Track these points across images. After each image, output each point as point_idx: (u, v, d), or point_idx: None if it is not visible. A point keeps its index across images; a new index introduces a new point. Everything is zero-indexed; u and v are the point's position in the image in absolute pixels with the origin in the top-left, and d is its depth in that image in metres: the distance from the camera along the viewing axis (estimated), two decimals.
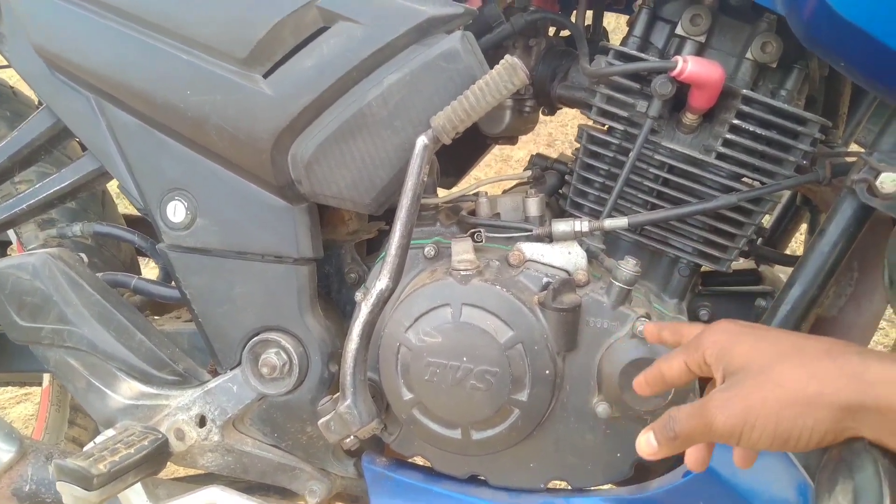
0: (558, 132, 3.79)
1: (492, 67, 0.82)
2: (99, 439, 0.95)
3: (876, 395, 0.53)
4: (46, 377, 1.37)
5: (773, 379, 0.57)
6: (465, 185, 1.21)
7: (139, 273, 1.28)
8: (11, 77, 1.43)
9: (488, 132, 1.08)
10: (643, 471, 0.90)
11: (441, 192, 1.04)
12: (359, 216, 1.08)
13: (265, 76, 0.88)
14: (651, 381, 0.71)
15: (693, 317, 0.96)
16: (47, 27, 0.96)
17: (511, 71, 0.80)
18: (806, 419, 0.54)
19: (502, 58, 0.81)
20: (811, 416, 0.54)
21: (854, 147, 1.05)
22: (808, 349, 0.58)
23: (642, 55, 0.87)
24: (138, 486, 0.97)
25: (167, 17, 0.90)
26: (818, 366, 0.56)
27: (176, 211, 0.96)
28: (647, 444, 0.62)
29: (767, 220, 1.16)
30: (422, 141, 0.82)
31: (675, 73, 0.82)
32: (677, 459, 0.91)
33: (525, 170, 1.07)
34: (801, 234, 1.27)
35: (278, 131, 0.88)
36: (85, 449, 0.93)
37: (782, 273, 1.07)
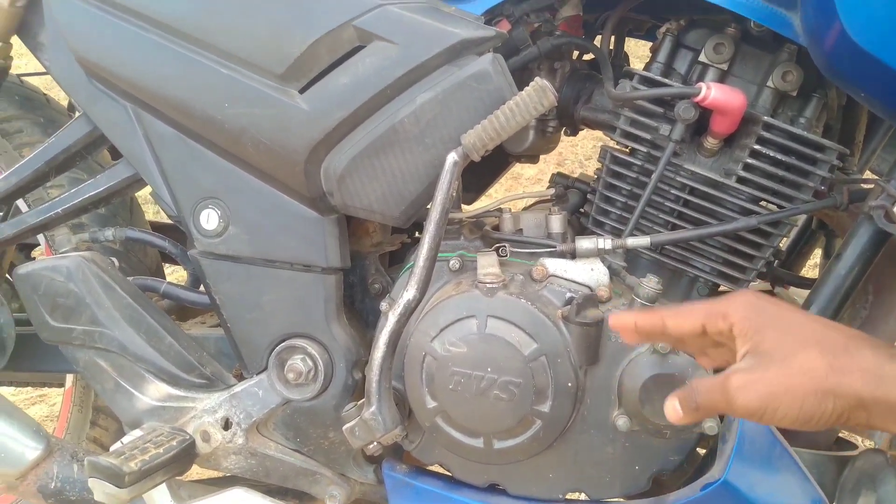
0: (568, 151, 3.82)
1: (519, 89, 0.84)
2: (126, 439, 0.97)
3: (886, 390, 0.58)
4: (69, 378, 1.39)
5: (797, 368, 0.60)
6: (482, 202, 1.24)
7: (165, 279, 1.31)
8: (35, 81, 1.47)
9: (511, 150, 1.11)
10: (660, 484, 0.92)
11: (464, 209, 1.07)
12: (383, 229, 1.10)
13: (301, 91, 0.90)
14: (646, 327, 0.70)
15: None
16: (89, 37, 0.99)
17: (541, 93, 0.83)
18: (826, 404, 0.59)
19: (527, 79, 0.84)
20: (831, 402, 0.59)
21: (868, 175, 1.08)
22: (829, 341, 0.62)
23: (667, 80, 0.90)
24: (163, 486, 0.99)
25: (207, 32, 0.93)
26: (838, 359, 0.60)
27: (209, 219, 0.99)
28: (674, 410, 0.65)
29: (784, 244, 1.19)
30: (452, 157, 0.85)
31: (698, 98, 0.85)
32: (694, 474, 0.94)
33: (547, 188, 1.10)
34: (813, 259, 1.30)
35: (313, 145, 0.91)
36: (113, 448, 0.95)
37: (797, 296, 1.09)
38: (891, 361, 0.59)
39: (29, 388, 2.10)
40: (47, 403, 2.10)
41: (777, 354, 0.61)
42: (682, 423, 0.66)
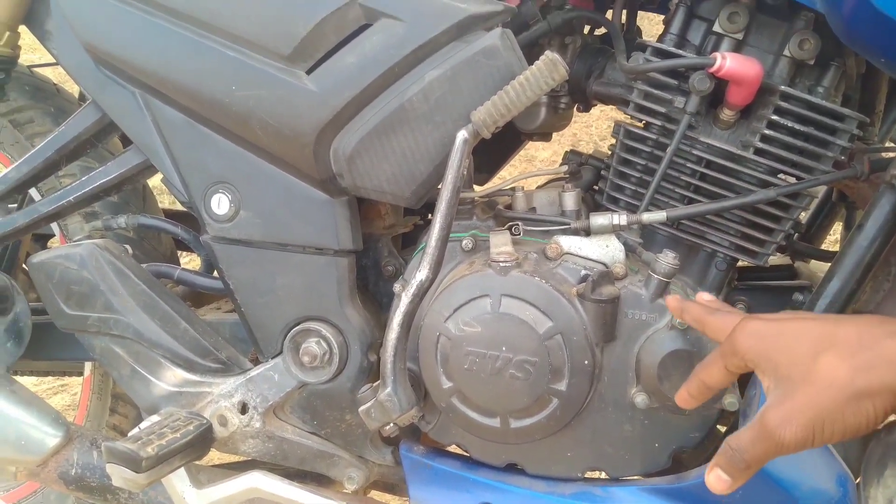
0: (583, 133, 3.79)
1: (529, 64, 0.83)
2: (144, 424, 0.98)
3: None
4: (87, 366, 1.40)
5: (820, 381, 0.58)
6: (496, 182, 1.23)
7: (179, 265, 1.31)
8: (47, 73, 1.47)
9: (523, 128, 1.10)
10: (679, 462, 0.91)
11: (476, 189, 1.06)
12: (395, 210, 1.10)
13: (308, 72, 0.90)
14: (696, 393, 0.72)
15: None
16: (95, 24, 0.99)
17: (552, 66, 0.82)
18: (867, 408, 0.56)
19: (538, 55, 0.82)
20: (869, 403, 0.56)
21: (890, 145, 1.05)
22: (841, 340, 0.59)
23: (681, 52, 0.88)
24: (182, 471, 0.99)
25: (213, 14, 0.92)
26: (857, 358, 0.57)
27: (220, 203, 0.99)
28: (719, 480, 0.62)
29: (803, 217, 1.17)
30: (462, 135, 0.84)
31: (713, 69, 0.83)
32: (715, 451, 0.92)
33: (560, 165, 1.08)
34: (833, 234, 1.27)
35: (321, 126, 0.90)
36: (131, 433, 0.95)
37: (818, 269, 1.08)
38: None
39: (50, 378, 2.13)
40: (69, 393, 2.13)
41: (796, 375, 0.59)
42: (732, 489, 0.63)
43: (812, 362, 0.59)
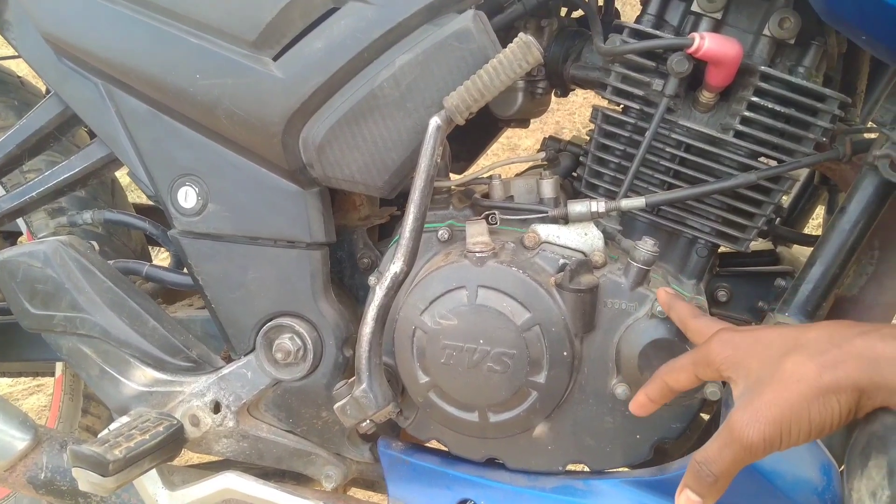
0: (566, 120, 3.77)
1: (504, 48, 0.81)
2: (113, 426, 0.95)
3: (882, 373, 0.55)
4: (59, 366, 1.36)
5: (788, 378, 0.58)
6: (475, 170, 1.20)
7: (149, 262, 1.28)
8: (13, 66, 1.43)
9: (500, 114, 1.07)
10: (662, 453, 0.89)
11: (453, 177, 1.03)
12: (370, 201, 1.07)
13: (275, 59, 0.87)
14: (658, 397, 0.72)
15: (711, 298, 0.95)
16: (54, 13, 0.96)
17: (525, 49, 0.79)
18: (832, 405, 0.57)
19: (513, 39, 0.80)
20: (835, 402, 0.56)
21: (872, 126, 1.04)
22: (811, 341, 0.60)
23: (658, 32, 0.86)
24: (153, 472, 0.96)
25: (175, 1, 0.89)
26: (826, 356, 0.58)
27: (187, 197, 0.96)
28: (689, 502, 0.62)
29: (785, 201, 1.15)
30: (435, 122, 0.82)
31: (691, 49, 0.81)
32: (698, 441, 0.91)
33: (538, 152, 1.06)
34: (815, 218, 1.26)
35: (289, 114, 0.87)
36: (100, 435, 0.92)
37: (800, 254, 1.06)
38: (882, 342, 0.56)
39: (26, 379, 2.09)
40: (45, 393, 2.09)
41: (765, 375, 0.60)
42: None
43: (782, 360, 0.59)
